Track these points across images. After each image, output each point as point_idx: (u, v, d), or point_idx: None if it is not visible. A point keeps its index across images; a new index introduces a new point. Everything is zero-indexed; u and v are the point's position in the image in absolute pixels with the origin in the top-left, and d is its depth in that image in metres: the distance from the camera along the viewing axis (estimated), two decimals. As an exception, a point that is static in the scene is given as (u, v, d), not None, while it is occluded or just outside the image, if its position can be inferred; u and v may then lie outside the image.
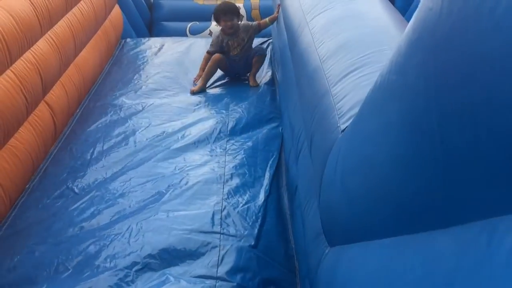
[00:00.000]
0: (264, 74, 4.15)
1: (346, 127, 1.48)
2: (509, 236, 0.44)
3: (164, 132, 3.22)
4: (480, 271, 0.46)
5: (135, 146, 3.05)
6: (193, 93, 3.73)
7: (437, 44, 0.54)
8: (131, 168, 2.83)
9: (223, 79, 4.05)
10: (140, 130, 3.23)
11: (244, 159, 2.95)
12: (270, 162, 2.98)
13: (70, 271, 2.12)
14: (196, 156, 2.97)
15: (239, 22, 4.01)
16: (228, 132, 3.24)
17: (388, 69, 0.75)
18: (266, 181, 2.80)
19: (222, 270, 2.11)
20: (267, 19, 4.10)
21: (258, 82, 3.93)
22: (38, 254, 2.26)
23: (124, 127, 3.28)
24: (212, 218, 2.38)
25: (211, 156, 2.97)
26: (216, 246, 2.23)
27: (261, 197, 2.64)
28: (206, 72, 3.83)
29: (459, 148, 0.50)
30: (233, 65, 3.94)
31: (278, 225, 2.55)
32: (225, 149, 3.06)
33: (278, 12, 3.84)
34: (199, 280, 2.06)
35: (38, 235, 2.39)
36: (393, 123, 0.73)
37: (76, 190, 2.69)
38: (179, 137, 3.15)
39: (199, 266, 2.12)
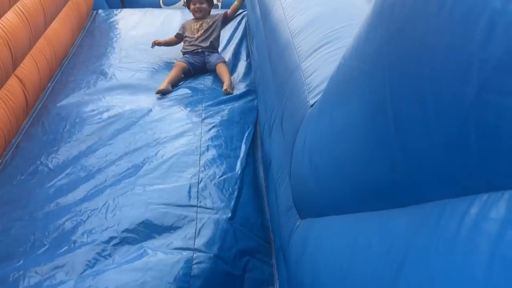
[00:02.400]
0: (238, 49, 4.11)
1: (314, 102, 1.51)
2: (454, 219, 0.48)
3: (138, 105, 3.20)
4: (427, 255, 0.50)
5: (109, 119, 3.03)
6: (159, 91, 3.38)
7: (391, 34, 0.56)
8: (106, 142, 2.82)
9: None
10: (114, 104, 3.21)
11: (220, 131, 2.96)
12: (246, 134, 3.00)
13: (46, 246, 2.13)
14: (172, 128, 2.96)
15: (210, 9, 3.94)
16: (204, 105, 3.24)
17: (350, 53, 0.77)
18: (242, 153, 2.82)
19: (199, 242, 2.15)
20: (234, 3, 4.03)
21: (231, 90, 3.48)
22: (14, 231, 2.26)
23: (97, 102, 3.25)
24: (189, 192, 2.41)
25: (187, 128, 2.97)
26: (193, 220, 2.26)
27: (238, 169, 2.67)
28: (171, 76, 3.55)
29: (412, 133, 0.53)
30: (194, 62, 3.70)
31: (254, 197, 2.60)
32: (201, 121, 3.07)
33: None
34: (176, 251, 2.09)
35: (14, 212, 2.38)
36: (353, 106, 0.76)
37: (51, 166, 2.68)
38: (154, 110, 3.14)
39: (176, 239, 2.16)
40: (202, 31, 3.78)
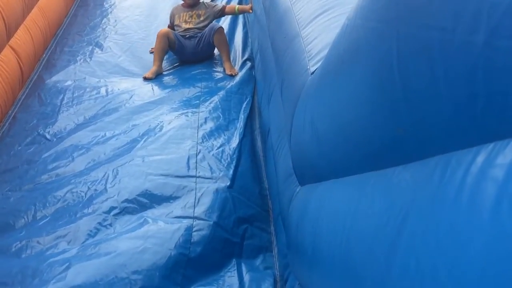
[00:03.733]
0: (235, 18, 4.03)
1: (315, 69, 1.50)
2: (460, 169, 0.48)
3: (136, 80, 3.18)
4: (432, 205, 0.51)
5: (107, 95, 3.02)
6: (147, 79, 3.19)
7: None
8: (104, 116, 2.82)
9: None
10: (111, 80, 3.19)
11: (218, 102, 2.95)
12: (244, 105, 3.00)
13: (48, 218, 2.15)
14: (170, 103, 2.96)
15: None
16: (203, 79, 3.23)
17: (354, 13, 0.77)
18: (240, 123, 2.83)
19: (199, 210, 2.17)
20: (236, 7, 3.65)
21: (236, 70, 3.34)
22: (13, 201, 2.27)
23: (94, 75, 3.23)
24: (188, 162, 2.42)
25: (186, 102, 2.98)
26: (192, 189, 2.28)
27: (236, 139, 2.68)
28: (156, 51, 3.31)
29: (417, 88, 0.54)
30: (183, 45, 3.38)
31: (252, 166, 2.62)
32: (200, 93, 3.06)
33: (251, 8, 3.42)
34: (176, 220, 2.11)
35: (12, 182, 2.40)
36: (358, 66, 0.76)
37: (48, 137, 2.68)
38: (151, 85, 3.13)
39: (176, 208, 2.18)
40: (192, 24, 3.45)
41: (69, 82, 3.13)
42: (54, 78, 3.19)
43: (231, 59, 3.41)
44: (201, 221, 2.11)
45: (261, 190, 2.51)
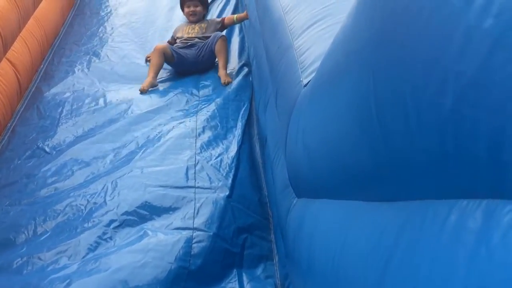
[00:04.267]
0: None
1: (308, 81, 1.50)
2: (437, 222, 0.48)
3: (134, 90, 3.17)
4: (414, 251, 0.51)
5: (105, 106, 3.03)
6: (143, 92, 3.13)
7: (374, 35, 0.56)
8: (102, 128, 2.82)
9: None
10: (109, 89, 3.20)
11: (216, 110, 2.96)
12: (242, 112, 3.00)
13: (48, 233, 2.16)
14: (168, 113, 2.96)
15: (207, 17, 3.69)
16: (199, 84, 3.24)
17: (336, 46, 0.77)
18: (238, 131, 2.83)
19: (198, 221, 2.17)
20: (234, 16, 3.70)
21: (230, 78, 3.27)
22: (13, 215, 2.28)
23: (93, 86, 3.23)
24: (186, 173, 2.42)
25: (183, 109, 2.98)
26: (191, 200, 2.29)
27: (234, 147, 2.69)
28: (152, 65, 3.26)
29: (394, 133, 0.54)
30: (183, 55, 3.33)
31: (251, 174, 2.62)
32: (198, 101, 3.06)
33: (246, 14, 3.51)
34: (176, 231, 2.12)
35: (12, 196, 2.41)
36: (341, 91, 0.76)
37: (48, 150, 2.69)
38: (150, 95, 3.13)
39: (175, 219, 2.18)
40: (194, 34, 3.49)
41: (67, 94, 3.14)
42: (53, 90, 3.20)
43: (229, 64, 3.41)
44: (201, 232, 2.12)
45: (261, 198, 2.51)
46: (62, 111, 2.98)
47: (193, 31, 3.49)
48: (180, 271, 1.93)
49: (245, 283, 2.00)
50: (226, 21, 3.63)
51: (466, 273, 0.40)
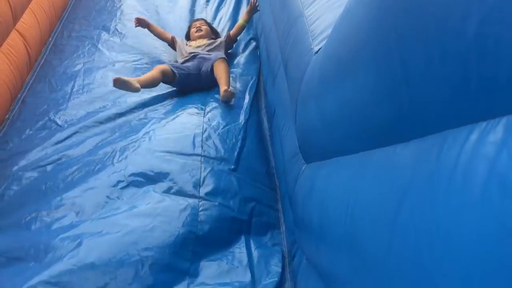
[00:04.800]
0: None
1: (319, 48, 1.52)
2: (455, 147, 0.51)
3: (145, 65, 3.21)
4: (429, 183, 0.54)
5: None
6: (116, 82, 2.68)
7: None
8: (114, 103, 2.85)
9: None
10: (118, 64, 3.21)
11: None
12: (250, 85, 3.02)
13: (57, 192, 2.20)
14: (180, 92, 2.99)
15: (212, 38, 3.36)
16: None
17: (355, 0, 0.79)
18: (245, 104, 2.85)
19: (204, 191, 2.21)
20: (241, 20, 3.37)
21: (233, 91, 2.83)
22: (25, 181, 2.33)
23: (103, 60, 3.25)
24: (193, 141, 2.45)
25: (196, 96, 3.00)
26: (197, 168, 2.32)
27: (241, 120, 2.71)
28: (146, 76, 2.86)
29: (415, 71, 0.56)
30: (184, 68, 2.99)
31: (258, 146, 2.65)
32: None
33: (251, 4, 3.28)
34: (182, 199, 2.15)
35: (23, 163, 2.45)
36: (359, 51, 0.78)
37: (59, 122, 2.72)
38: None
39: (181, 186, 2.22)
40: (198, 48, 3.19)
41: (78, 67, 3.16)
42: (64, 64, 3.21)
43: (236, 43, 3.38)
44: (207, 202, 2.16)
45: (268, 169, 2.55)
46: (74, 85, 3.01)
47: (196, 46, 3.21)
48: (188, 235, 1.98)
49: (252, 249, 2.05)
50: (232, 32, 3.33)
51: (486, 180, 0.43)
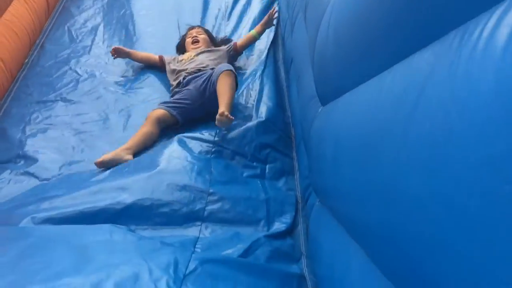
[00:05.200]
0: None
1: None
2: (477, 30, 0.51)
3: (162, 13, 3.19)
4: (449, 66, 0.54)
5: (135, 34, 3.07)
6: (102, 165, 2.10)
7: None
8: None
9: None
10: (137, 14, 3.21)
11: (242, 34, 2.96)
12: (265, 41, 3.00)
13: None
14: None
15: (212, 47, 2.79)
16: (226, 11, 3.23)
17: None
18: (262, 55, 2.84)
19: (218, 137, 2.25)
20: (252, 32, 2.81)
21: (231, 117, 2.22)
22: (48, 129, 2.41)
23: (122, 10, 3.25)
24: None
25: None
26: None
27: (258, 71, 2.71)
28: (139, 141, 2.24)
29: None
30: (183, 99, 2.42)
31: (275, 95, 2.64)
32: (225, 21, 3.08)
33: (273, 13, 2.77)
34: (197, 142, 2.20)
35: (45, 112, 2.50)
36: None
37: (80, 72, 2.76)
38: (179, 24, 3.16)
39: (196, 132, 2.27)
40: (195, 64, 2.59)
41: (98, 20, 3.20)
42: (84, 15, 3.24)
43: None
44: (219, 148, 2.19)
45: (284, 118, 2.55)
46: (94, 38, 3.03)
47: (191, 59, 2.63)
48: (205, 164, 2.05)
49: (267, 191, 2.07)
50: (240, 43, 2.75)
51: (505, 50, 0.43)
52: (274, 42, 3.00)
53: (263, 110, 2.47)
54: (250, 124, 2.35)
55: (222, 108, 2.17)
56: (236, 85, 2.36)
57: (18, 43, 2.75)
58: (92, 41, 3.02)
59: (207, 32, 2.89)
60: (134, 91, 2.63)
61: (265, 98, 2.56)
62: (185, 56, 2.68)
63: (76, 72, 2.76)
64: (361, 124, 0.91)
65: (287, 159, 2.32)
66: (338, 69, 1.24)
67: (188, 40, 2.78)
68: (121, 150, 2.13)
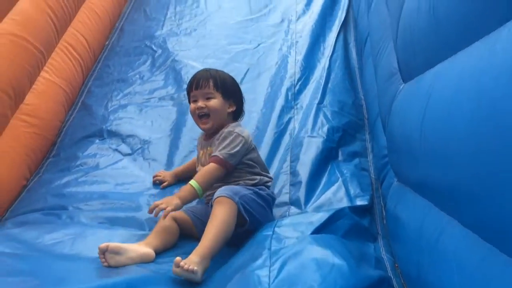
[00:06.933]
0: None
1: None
2: None
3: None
4: None
5: (206, 8, 3.16)
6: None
7: None
8: (205, 28, 2.99)
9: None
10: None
11: (314, 27, 2.96)
12: (337, 22, 2.99)
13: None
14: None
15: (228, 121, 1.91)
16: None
17: None
18: (331, 40, 2.85)
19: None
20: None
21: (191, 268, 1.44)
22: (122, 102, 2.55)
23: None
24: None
25: (279, 23, 3.05)
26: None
27: (325, 58, 2.73)
28: (151, 239, 1.67)
29: None
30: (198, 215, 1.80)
31: (344, 79, 2.64)
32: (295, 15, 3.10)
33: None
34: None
35: (123, 81, 2.65)
36: None
37: (154, 48, 2.87)
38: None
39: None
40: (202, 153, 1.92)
41: (171, -1, 3.30)
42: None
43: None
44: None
45: (356, 100, 2.54)
46: (166, 13, 3.13)
47: (205, 158, 1.88)
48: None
49: (343, 171, 2.07)
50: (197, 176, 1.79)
51: None
52: (344, 25, 2.97)
53: (331, 96, 2.49)
54: (318, 109, 2.40)
55: (194, 254, 1.47)
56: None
57: (100, 24, 2.89)
58: (165, 16, 3.12)
59: (220, 85, 1.87)
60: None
61: (332, 84, 2.58)
62: (199, 147, 1.97)
63: (151, 48, 2.87)
64: (465, 93, 0.89)
65: (359, 142, 2.32)
66: (431, 40, 1.22)
67: (192, 108, 1.89)
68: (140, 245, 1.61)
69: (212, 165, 1.74)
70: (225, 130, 1.81)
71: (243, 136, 1.79)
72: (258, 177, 1.82)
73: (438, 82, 1.17)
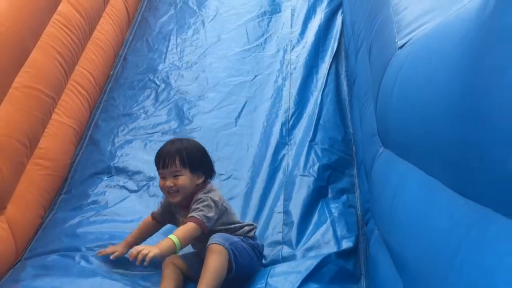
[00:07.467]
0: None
1: (403, 43, 1.61)
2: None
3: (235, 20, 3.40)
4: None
5: (206, 39, 3.32)
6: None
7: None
8: (206, 59, 3.14)
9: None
10: (208, 21, 3.44)
11: (307, 57, 3.12)
12: (329, 52, 3.14)
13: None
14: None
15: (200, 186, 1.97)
16: (291, 24, 3.38)
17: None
18: (323, 71, 3.02)
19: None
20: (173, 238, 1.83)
21: None
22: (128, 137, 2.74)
23: (194, 16, 3.49)
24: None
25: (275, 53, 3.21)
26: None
27: (317, 91, 2.91)
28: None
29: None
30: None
31: (335, 113, 2.84)
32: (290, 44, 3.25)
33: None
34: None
35: (129, 126, 2.81)
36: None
37: (158, 82, 3.05)
38: (246, 30, 3.37)
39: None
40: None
41: (171, 26, 3.43)
42: (159, 23, 3.48)
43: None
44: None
45: (345, 135, 2.72)
46: (168, 45, 3.28)
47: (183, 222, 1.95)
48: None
49: (332, 210, 2.28)
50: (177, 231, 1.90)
51: None
52: (336, 56, 3.13)
53: (322, 132, 2.68)
54: (310, 148, 2.60)
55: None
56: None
57: (104, 56, 3.05)
58: (167, 48, 3.28)
59: (187, 157, 1.94)
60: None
61: (324, 120, 2.76)
62: (177, 215, 2.04)
63: (155, 82, 3.04)
64: (415, 221, 1.09)
65: (347, 178, 2.50)
66: (397, 132, 1.39)
67: (161, 184, 1.96)
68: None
69: (191, 224, 1.85)
70: (199, 196, 1.92)
71: (215, 201, 1.90)
72: (239, 230, 1.98)
73: (407, 180, 1.34)
